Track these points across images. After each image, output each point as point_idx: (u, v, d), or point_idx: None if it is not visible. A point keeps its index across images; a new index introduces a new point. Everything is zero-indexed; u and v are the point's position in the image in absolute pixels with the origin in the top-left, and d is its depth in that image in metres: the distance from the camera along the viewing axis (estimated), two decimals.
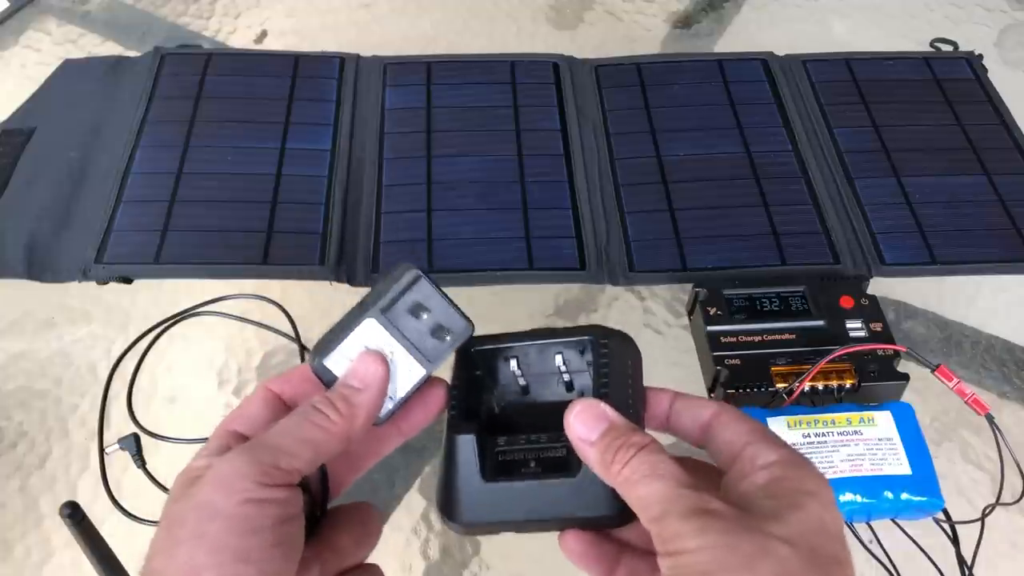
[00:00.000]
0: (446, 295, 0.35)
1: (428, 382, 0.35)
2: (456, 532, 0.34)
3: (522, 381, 0.36)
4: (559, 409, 0.32)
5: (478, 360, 0.36)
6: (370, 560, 0.36)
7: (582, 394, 0.35)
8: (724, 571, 0.26)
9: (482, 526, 0.34)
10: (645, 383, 0.35)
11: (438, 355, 0.35)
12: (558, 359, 0.35)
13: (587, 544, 0.33)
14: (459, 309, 0.35)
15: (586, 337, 0.35)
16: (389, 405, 0.35)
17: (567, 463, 0.32)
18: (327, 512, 0.35)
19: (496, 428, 0.34)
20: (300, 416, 0.32)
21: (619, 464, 0.29)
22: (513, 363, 0.35)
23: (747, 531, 0.27)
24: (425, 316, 0.34)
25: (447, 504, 0.34)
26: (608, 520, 0.31)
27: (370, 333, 0.34)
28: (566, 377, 0.35)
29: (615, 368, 0.34)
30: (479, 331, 0.37)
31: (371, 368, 0.33)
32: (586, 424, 0.30)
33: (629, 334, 0.36)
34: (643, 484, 0.29)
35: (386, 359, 0.34)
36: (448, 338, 0.35)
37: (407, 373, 0.34)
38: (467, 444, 0.33)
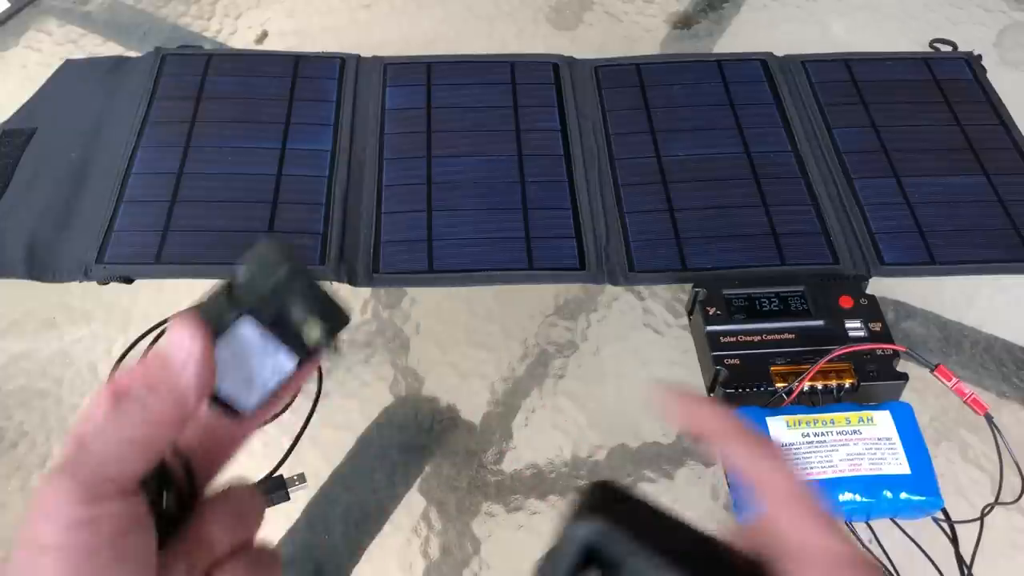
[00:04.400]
0: (318, 285, 0.32)
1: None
2: None
3: None
4: None
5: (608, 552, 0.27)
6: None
7: None
8: None
9: None
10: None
11: (310, 346, 0.32)
12: None
13: None
14: (333, 299, 0.32)
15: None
16: (255, 397, 0.32)
17: None
18: (194, 503, 0.32)
19: None
20: (120, 413, 0.29)
21: None
22: None
23: None
24: (294, 311, 0.32)
25: None
26: None
27: (244, 331, 0.31)
28: None
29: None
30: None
31: (187, 337, 0.30)
32: None
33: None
34: None
35: (201, 322, 0.30)
36: (320, 329, 0.32)
37: (277, 365, 0.32)
38: None
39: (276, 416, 0.33)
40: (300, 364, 0.32)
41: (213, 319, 0.31)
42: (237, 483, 0.33)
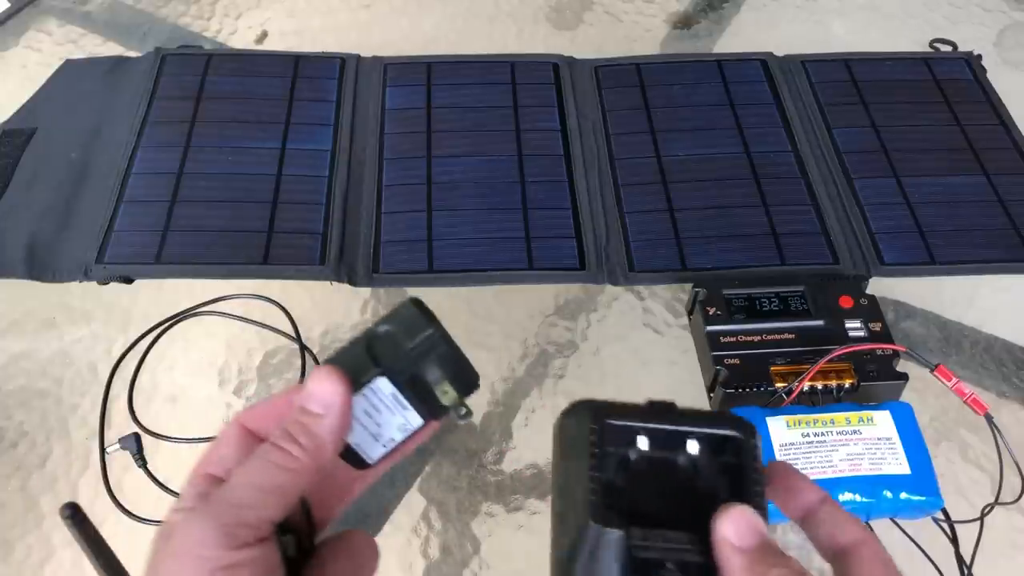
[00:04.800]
0: (457, 349, 0.33)
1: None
2: None
3: (652, 466, 0.32)
4: (693, 503, 0.30)
5: (610, 433, 0.32)
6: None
7: (719, 491, 0.31)
8: None
9: None
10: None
11: (440, 408, 0.33)
12: (694, 446, 0.31)
13: None
14: (468, 363, 0.33)
15: (734, 434, 0.31)
16: (381, 450, 0.33)
17: (708, 571, 0.29)
18: (315, 548, 0.33)
19: (626, 514, 0.30)
20: (261, 459, 0.30)
21: None
22: (645, 442, 0.32)
23: None
24: (429, 374, 0.32)
25: None
26: None
27: (380, 388, 0.32)
28: (701, 469, 0.32)
29: (759, 475, 0.31)
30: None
31: (328, 389, 0.31)
32: (739, 532, 0.29)
33: (749, 422, 0.33)
34: None
35: (342, 375, 0.31)
36: (454, 393, 0.33)
37: (405, 422, 0.33)
38: (612, 541, 0.29)
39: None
40: (426, 421, 0.33)
41: (352, 373, 0.32)
42: (355, 530, 0.34)
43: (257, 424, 0.33)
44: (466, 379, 0.33)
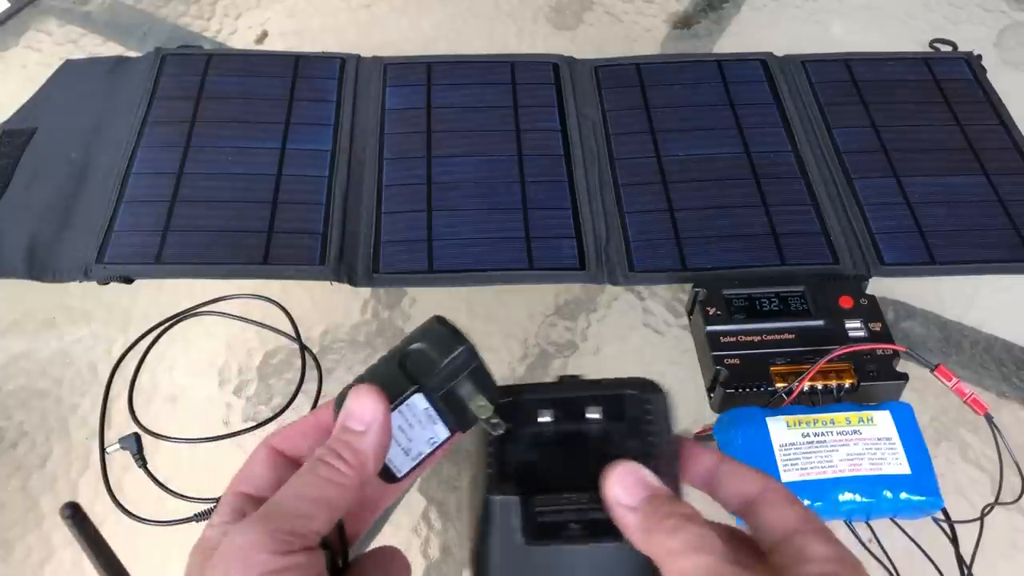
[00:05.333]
0: (486, 366, 0.34)
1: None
2: None
3: (555, 435, 0.34)
4: (594, 466, 0.31)
5: (509, 412, 0.34)
6: None
7: (616, 451, 0.32)
8: None
9: None
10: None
11: (465, 423, 0.34)
12: (594, 413, 0.33)
13: None
14: (492, 378, 0.34)
15: (629, 392, 0.33)
16: (410, 464, 0.34)
17: (611, 526, 0.30)
18: (349, 564, 0.33)
19: (528, 484, 0.32)
20: (310, 473, 0.31)
21: (663, 534, 0.28)
22: (546, 415, 0.34)
23: None
24: (462, 389, 0.33)
25: (482, 571, 0.32)
26: None
27: (415, 404, 0.33)
28: (603, 436, 0.34)
29: (658, 428, 0.32)
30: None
31: (369, 407, 0.31)
32: (626, 489, 0.29)
33: (659, 384, 0.34)
34: (687, 556, 0.27)
35: (382, 393, 0.32)
36: (481, 414, 0.33)
37: (433, 435, 0.34)
38: (510, 507, 0.31)
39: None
40: (451, 434, 0.34)
41: (388, 390, 0.32)
42: (388, 546, 0.35)
43: (285, 445, 0.34)
44: (493, 393, 0.34)
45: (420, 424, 0.33)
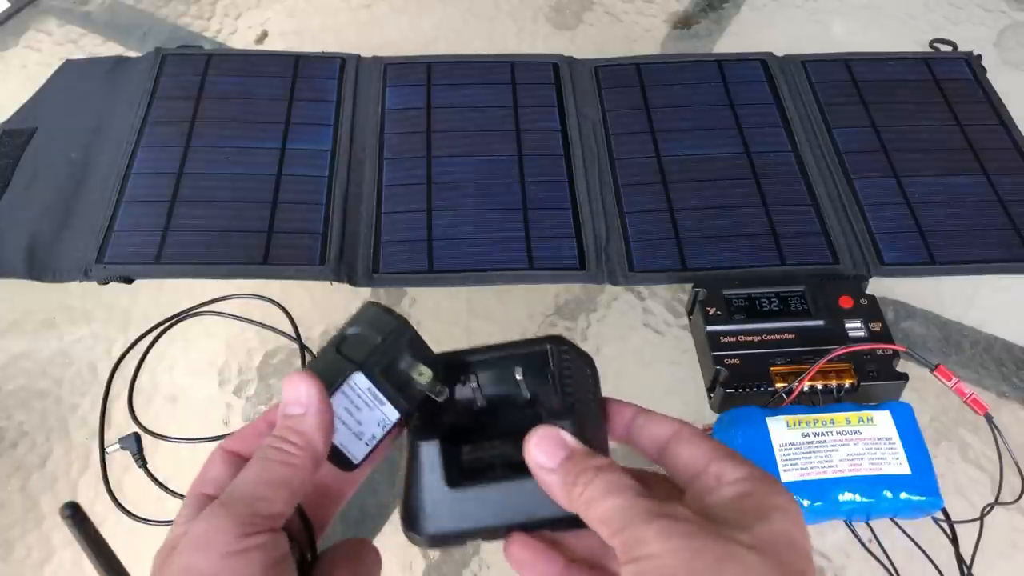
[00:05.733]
0: (420, 337, 0.35)
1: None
2: (421, 546, 0.33)
3: (482, 395, 0.36)
4: (522, 420, 0.32)
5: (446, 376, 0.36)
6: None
7: (543, 406, 0.34)
8: (690, 574, 0.26)
9: (448, 536, 0.33)
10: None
11: (411, 398, 0.34)
12: (518, 372, 0.35)
13: (533, 552, 0.32)
14: (430, 349, 0.35)
15: (546, 347, 0.35)
16: (365, 448, 0.34)
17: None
18: (319, 555, 0.34)
19: (460, 441, 0.34)
20: (261, 460, 0.31)
21: (579, 487, 0.29)
22: (473, 378, 0.35)
23: (713, 536, 0.27)
24: (402, 362, 0.34)
25: (411, 516, 0.33)
26: (573, 520, 0.31)
27: (357, 384, 0.33)
28: (526, 393, 0.35)
29: (577, 381, 0.34)
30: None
31: (303, 389, 0.32)
32: (546, 452, 0.30)
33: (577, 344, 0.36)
34: (602, 501, 0.28)
35: (312, 374, 0.32)
36: (421, 380, 0.34)
37: (383, 417, 0.34)
38: (431, 450, 0.33)
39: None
40: (402, 414, 0.34)
41: (328, 375, 0.33)
42: (358, 538, 0.35)
43: (240, 446, 0.34)
44: (434, 363, 0.35)
45: (368, 406, 0.34)
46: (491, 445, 0.33)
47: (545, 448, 0.30)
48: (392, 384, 0.34)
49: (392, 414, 0.34)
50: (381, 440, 0.34)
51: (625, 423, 0.34)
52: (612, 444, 0.35)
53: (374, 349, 0.34)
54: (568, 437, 0.31)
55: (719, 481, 0.29)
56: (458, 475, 0.32)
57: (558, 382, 0.34)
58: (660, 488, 0.32)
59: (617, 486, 0.29)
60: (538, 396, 0.35)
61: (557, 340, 0.35)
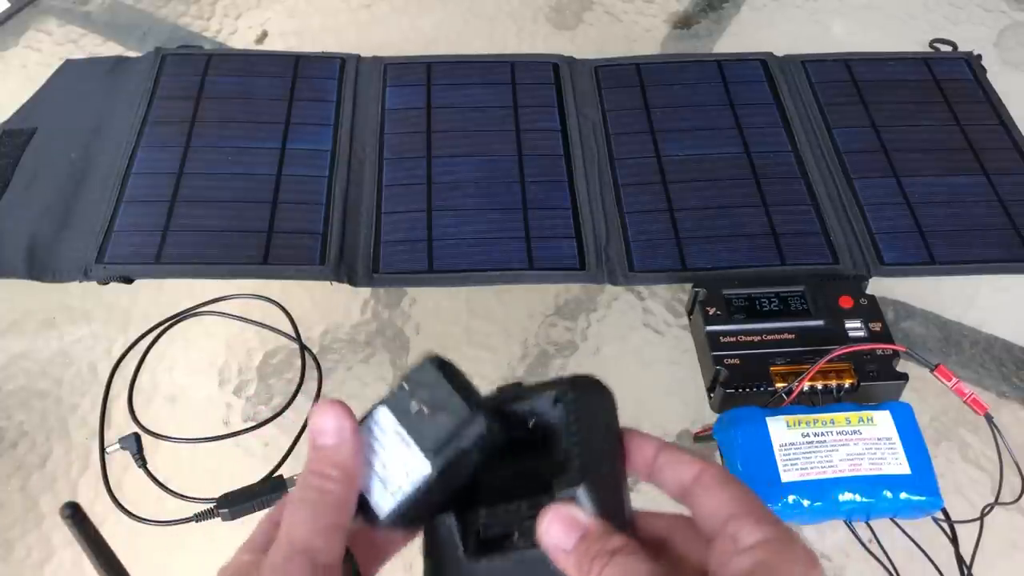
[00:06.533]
0: (466, 383, 0.31)
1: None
2: None
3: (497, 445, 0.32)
4: (536, 471, 0.31)
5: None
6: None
7: (555, 460, 0.32)
8: None
9: None
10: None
11: (442, 448, 0.30)
12: (530, 420, 0.32)
13: None
14: (473, 400, 0.31)
15: (553, 393, 0.32)
16: (390, 499, 0.31)
17: None
18: None
19: (474, 499, 0.32)
20: (308, 503, 0.30)
21: (596, 572, 0.28)
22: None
23: None
24: (437, 411, 0.31)
25: None
26: None
27: (379, 418, 0.32)
28: (538, 441, 0.32)
29: (592, 431, 0.32)
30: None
31: (331, 415, 0.31)
32: (560, 534, 0.29)
33: (598, 379, 0.33)
34: None
35: (341, 403, 0.31)
36: (455, 430, 0.31)
37: (411, 466, 0.31)
38: (447, 524, 0.31)
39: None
40: (439, 472, 0.31)
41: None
42: None
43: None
44: (470, 393, 0.31)
45: (393, 446, 0.31)
46: (505, 510, 0.31)
47: (558, 531, 0.29)
48: (426, 432, 0.31)
49: (419, 463, 0.31)
50: (413, 496, 0.31)
51: (647, 460, 0.33)
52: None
53: (402, 387, 0.31)
54: (582, 516, 0.29)
55: (736, 545, 0.28)
56: (476, 545, 0.31)
57: (571, 444, 0.31)
58: (684, 538, 0.31)
59: (631, 572, 0.28)
60: (551, 447, 0.32)
61: (570, 385, 0.32)
